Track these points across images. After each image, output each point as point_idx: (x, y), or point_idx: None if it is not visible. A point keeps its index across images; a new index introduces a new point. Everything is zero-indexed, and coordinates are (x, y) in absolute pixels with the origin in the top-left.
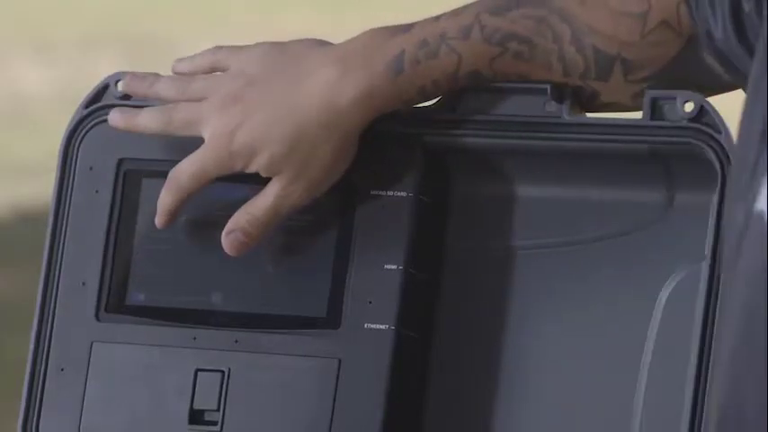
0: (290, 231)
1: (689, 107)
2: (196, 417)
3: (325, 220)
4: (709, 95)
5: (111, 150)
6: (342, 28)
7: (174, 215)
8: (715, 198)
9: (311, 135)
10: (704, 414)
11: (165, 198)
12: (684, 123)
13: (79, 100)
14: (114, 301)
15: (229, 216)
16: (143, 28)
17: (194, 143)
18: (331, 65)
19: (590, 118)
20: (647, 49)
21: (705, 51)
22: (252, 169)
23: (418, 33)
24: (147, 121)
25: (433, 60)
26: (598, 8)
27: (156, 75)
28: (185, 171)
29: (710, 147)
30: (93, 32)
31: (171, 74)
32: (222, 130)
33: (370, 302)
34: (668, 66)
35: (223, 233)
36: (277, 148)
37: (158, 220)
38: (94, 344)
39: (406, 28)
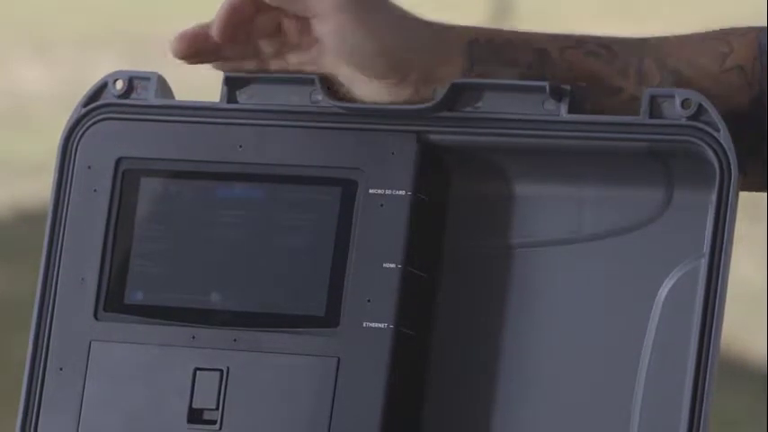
0: (289, 230)
1: (687, 105)
2: (195, 416)
3: (324, 218)
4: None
5: (109, 149)
6: None
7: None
8: (713, 195)
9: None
10: (703, 411)
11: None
12: (683, 121)
13: (79, 99)
14: (113, 300)
15: (229, 216)
16: (143, 28)
17: (194, 141)
18: None
19: (588, 116)
20: (719, 85)
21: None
22: None
23: None
24: None
25: (514, 33)
26: (686, 39)
27: None
28: None
29: (709, 145)
30: (93, 32)
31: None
32: None
33: (369, 301)
34: (729, 114)
35: None
36: None
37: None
38: (93, 343)
39: None
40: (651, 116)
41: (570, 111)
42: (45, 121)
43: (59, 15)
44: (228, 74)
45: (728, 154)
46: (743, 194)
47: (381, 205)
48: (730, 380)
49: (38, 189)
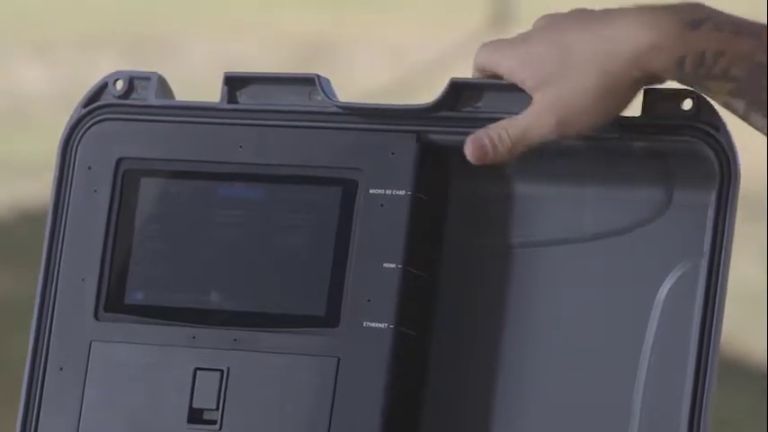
0: (289, 230)
1: (687, 104)
2: (195, 416)
3: (324, 218)
4: None
5: (109, 149)
6: (342, 28)
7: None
8: (713, 195)
9: (578, 67)
10: (704, 410)
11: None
12: (682, 121)
13: (79, 100)
14: (113, 300)
15: (229, 216)
16: (143, 28)
17: (194, 141)
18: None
19: None
20: None
21: None
22: (516, 76)
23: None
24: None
25: (735, 36)
26: None
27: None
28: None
29: (708, 144)
30: (93, 32)
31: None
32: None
33: (369, 301)
34: None
35: (469, 137)
36: (544, 67)
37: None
38: (93, 343)
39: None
40: (651, 115)
41: None
42: (45, 121)
43: (59, 15)
44: (228, 74)
45: (728, 153)
46: (742, 194)
47: (382, 205)
48: (731, 379)
49: (38, 189)
